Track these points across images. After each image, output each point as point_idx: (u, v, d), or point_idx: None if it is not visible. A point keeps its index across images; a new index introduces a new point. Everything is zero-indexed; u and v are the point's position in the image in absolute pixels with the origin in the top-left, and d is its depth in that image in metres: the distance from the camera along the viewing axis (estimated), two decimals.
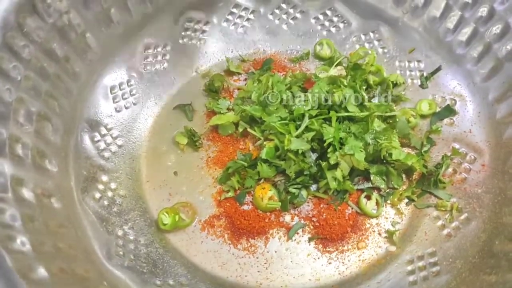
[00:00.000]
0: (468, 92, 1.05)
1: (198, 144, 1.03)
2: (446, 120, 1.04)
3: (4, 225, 0.70)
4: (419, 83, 1.09)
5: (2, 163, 0.75)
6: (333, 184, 0.92)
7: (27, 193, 0.77)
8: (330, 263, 0.91)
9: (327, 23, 1.17)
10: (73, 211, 0.89)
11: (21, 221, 0.72)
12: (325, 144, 0.91)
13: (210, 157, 1.03)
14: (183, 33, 1.15)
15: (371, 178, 0.95)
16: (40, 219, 0.77)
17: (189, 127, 1.03)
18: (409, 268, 0.89)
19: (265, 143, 0.98)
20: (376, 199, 0.95)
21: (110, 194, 0.97)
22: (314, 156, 0.94)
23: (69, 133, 0.95)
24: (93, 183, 0.96)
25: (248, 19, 1.17)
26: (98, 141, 1.01)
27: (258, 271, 0.91)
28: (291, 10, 1.17)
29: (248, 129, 1.02)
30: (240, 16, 1.17)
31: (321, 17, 1.17)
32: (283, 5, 1.17)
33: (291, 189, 0.95)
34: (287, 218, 0.95)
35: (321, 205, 0.95)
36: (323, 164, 0.92)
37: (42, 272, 0.69)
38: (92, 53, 1.01)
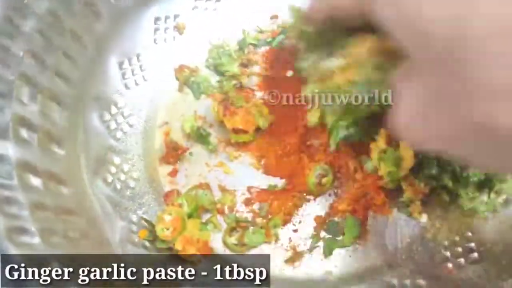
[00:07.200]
0: None
1: None
2: None
3: (11, 216, 0.65)
4: None
5: (6, 146, 0.70)
6: None
7: (34, 179, 0.72)
8: None
9: None
10: (83, 196, 0.84)
11: (29, 210, 0.67)
12: None
13: None
14: (195, 3, 1.07)
15: None
16: (48, 207, 0.72)
17: None
18: None
19: None
20: None
21: (123, 177, 0.91)
22: None
23: (76, 113, 0.89)
24: (104, 165, 0.90)
25: None
26: (108, 120, 0.95)
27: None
28: None
29: None
30: None
31: None
32: None
33: None
34: None
35: None
36: None
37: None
38: (100, 25, 0.93)
